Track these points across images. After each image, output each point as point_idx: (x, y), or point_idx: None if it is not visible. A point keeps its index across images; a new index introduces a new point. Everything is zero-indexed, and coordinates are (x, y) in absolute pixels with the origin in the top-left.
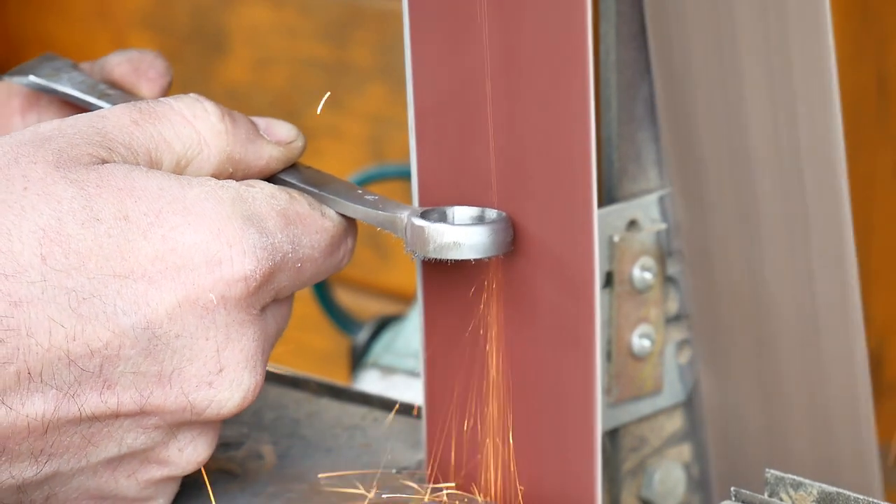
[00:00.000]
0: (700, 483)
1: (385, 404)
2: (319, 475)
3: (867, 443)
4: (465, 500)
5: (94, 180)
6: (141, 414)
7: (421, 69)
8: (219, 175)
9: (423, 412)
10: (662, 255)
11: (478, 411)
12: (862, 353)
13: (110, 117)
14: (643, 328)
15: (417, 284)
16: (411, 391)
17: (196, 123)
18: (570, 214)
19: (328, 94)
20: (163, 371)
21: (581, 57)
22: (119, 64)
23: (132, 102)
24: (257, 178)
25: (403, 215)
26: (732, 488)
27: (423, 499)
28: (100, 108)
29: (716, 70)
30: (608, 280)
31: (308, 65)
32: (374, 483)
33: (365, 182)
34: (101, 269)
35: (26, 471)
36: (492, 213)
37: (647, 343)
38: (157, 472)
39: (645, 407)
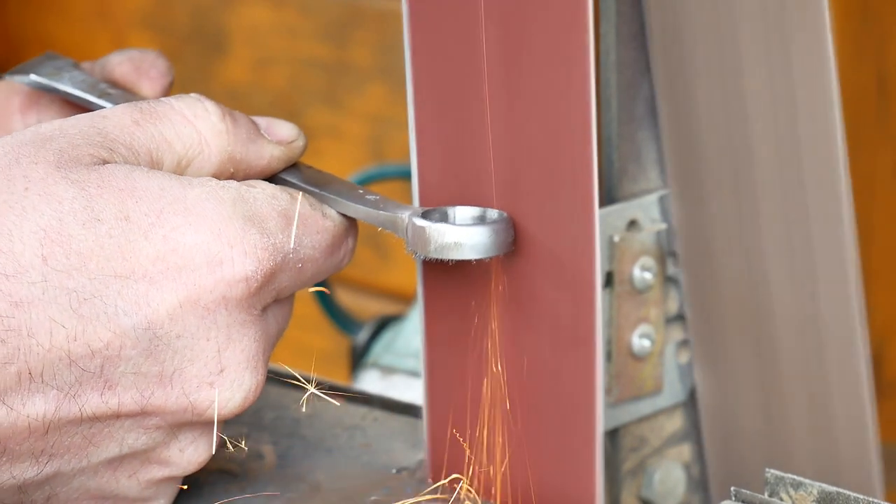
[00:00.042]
0: (700, 483)
1: (385, 404)
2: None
3: (867, 443)
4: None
5: (96, 181)
6: (142, 414)
7: (421, 69)
8: (220, 175)
9: (424, 412)
10: (662, 255)
11: (478, 411)
12: (863, 352)
13: (111, 117)
14: (643, 328)
15: (418, 284)
16: (411, 391)
17: (197, 123)
18: (570, 214)
19: None
20: (164, 371)
21: (581, 57)
22: (120, 63)
23: (133, 102)
24: (259, 178)
25: (404, 215)
26: (732, 488)
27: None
28: (101, 107)
29: (716, 70)
30: (608, 280)
31: (308, 65)
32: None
33: (365, 182)
34: (102, 269)
35: (27, 471)
36: (493, 214)
37: (647, 343)
38: (157, 473)
39: (645, 407)
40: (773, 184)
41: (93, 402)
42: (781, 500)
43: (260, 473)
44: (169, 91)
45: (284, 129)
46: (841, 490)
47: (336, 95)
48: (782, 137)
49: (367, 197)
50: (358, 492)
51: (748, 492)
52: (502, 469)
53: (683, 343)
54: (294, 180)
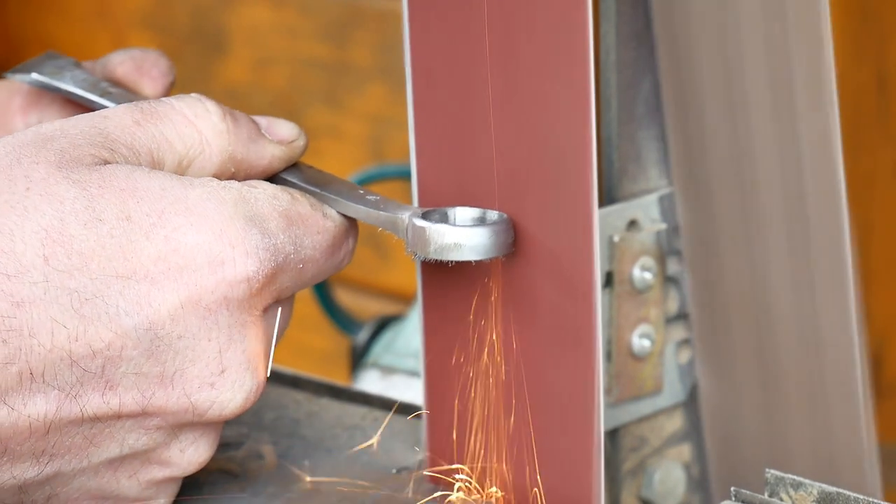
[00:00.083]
0: (700, 483)
1: (385, 404)
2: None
3: (867, 443)
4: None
5: (97, 181)
6: (143, 415)
7: (421, 69)
8: (221, 175)
9: (424, 412)
10: (662, 255)
11: (478, 411)
12: (861, 353)
13: (112, 117)
14: (643, 328)
15: (417, 285)
16: (411, 391)
17: (198, 123)
18: (570, 214)
19: None
20: (165, 372)
21: (581, 57)
22: (122, 62)
23: (134, 103)
24: (260, 178)
25: (404, 216)
26: (732, 488)
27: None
28: (102, 106)
29: (719, 69)
30: (608, 280)
31: (308, 65)
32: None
33: (365, 182)
34: (103, 269)
35: (28, 471)
36: (493, 215)
37: (647, 343)
38: (158, 473)
39: (645, 407)
40: (774, 184)
41: (94, 402)
42: (781, 500)
43: (260, 473)
44: (170, 90)
45: (285, 129)
46: (841, 490)
47: (336, 95)
48: (783, 137)
49: (368, 197)
50: (358, 492)
51: (748, 492)
52: (502, 469)
53: (683, 343)
54: (295, 180)
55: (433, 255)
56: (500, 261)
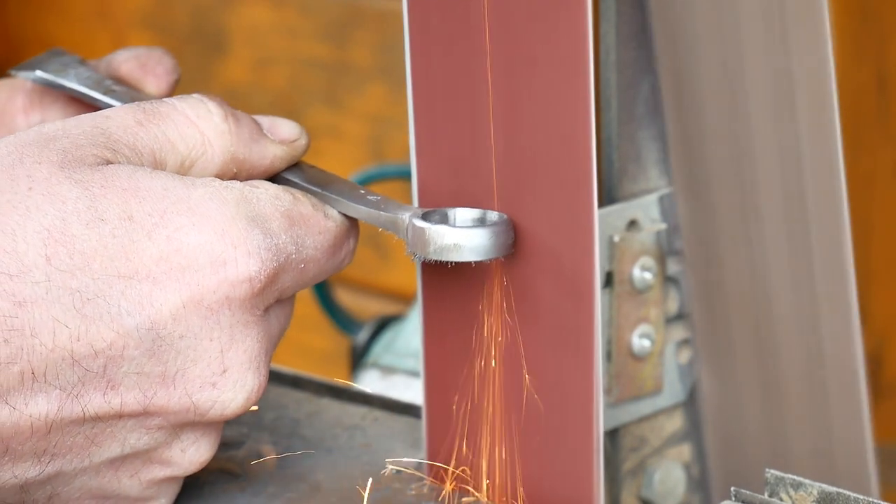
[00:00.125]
0: (700, 483)
1: (385, 404)
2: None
3: (867, 443)
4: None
5: (99, 181)
6: (144, 414)
7: (421, 69)
8: (223, 175)
9: (424, 412)
10: (662, 255)
11: (478, 411)
12: (861, 353)
13: (114, 118)
14: (643, 328)
15: (417, 285)
16: (411, 391)
17: (200, 124)
18: (570, 214)
19: None
20: (167, 372)
21: (581, 57)
22: (126, 60)
23: (136, 103)
24: (262, 178)
25: (405, 216)
26: (732, 488)
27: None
28: (106, 104)
29: (718, 69)
30: (608, 280)
31: (308, 65)
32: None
33: (365, 182)
34: (105, 269)
35: (29, 471)
36: (493, 216)
37: (647, 343)
38: (159, 473)
39: (645, 407)
40: (774, 183)
41: (95, 401)
42: (781, 500)
43: (260, 473)
44: (174, 88)
45: (287, 128)
46: (841, 490)
47: (336, 95)
48: (782, 137)
49: (369, 197)
50: (358, 492)
51: (748, 492)
52: (502, 469)
53: (683, 343)
54: (296, 180)
55: (433, 256)
56: (500, 260)
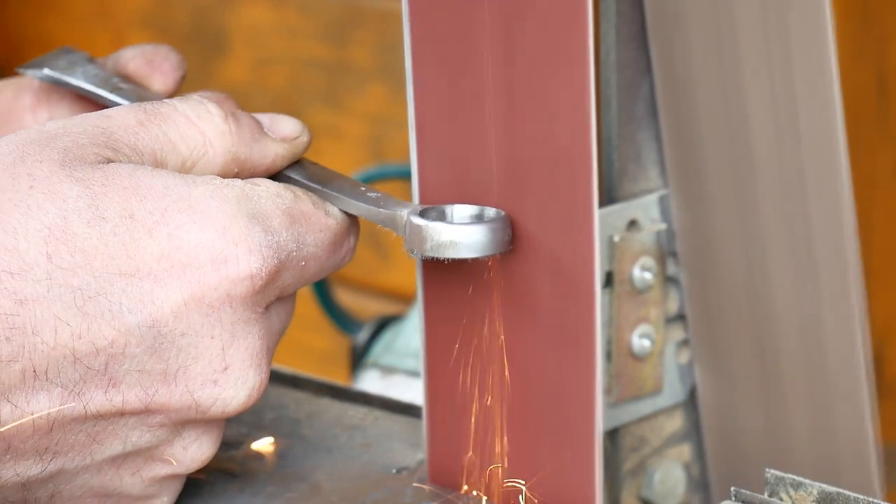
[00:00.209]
0: (700, 483)
1: (385, 404)
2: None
3: (867, 443)
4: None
5: (100, 179)
6: (146, 412)
7: (421, 69)
8: (224, 176)
9: (424, 412)
10: (662, 255)
11: (478, 411)
12: (863, 352)
13: (115, 117)
14: (643, 328)
15: (417, 284)
16: (411, 391)
17: (201, 125)
18: (570, 214)
19: None
20: (168, 369)
21: (581, 57)
22: (133, 58)
23: (137, 104)
24: (263, 176)
25: (403, 213)
26: (732, 488)
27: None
28: (112, 102)
29: (716, 70)
30: (608, 280)
31: (308, 65)
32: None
33: (365, 182)
34: (106, 267)
35: (31, 468)
36: (490, 212)
37: (647, 343)
38: (161, 470)
39: (645, 407)
40: (774, 184)
41: (97, 399)
42: (781, 500)
43: (260, 473)
44: (181, 84)
45: (288, 126)
46: (841, 490)
47: (336, 95)
48: (783, 137)
49: (369, 194)
50: (358, 492)
51: (748, 492)
52: (502, 469)
53: (683, 343)
54: (297, 177)
55: (429, 253)
56: (500, 260)
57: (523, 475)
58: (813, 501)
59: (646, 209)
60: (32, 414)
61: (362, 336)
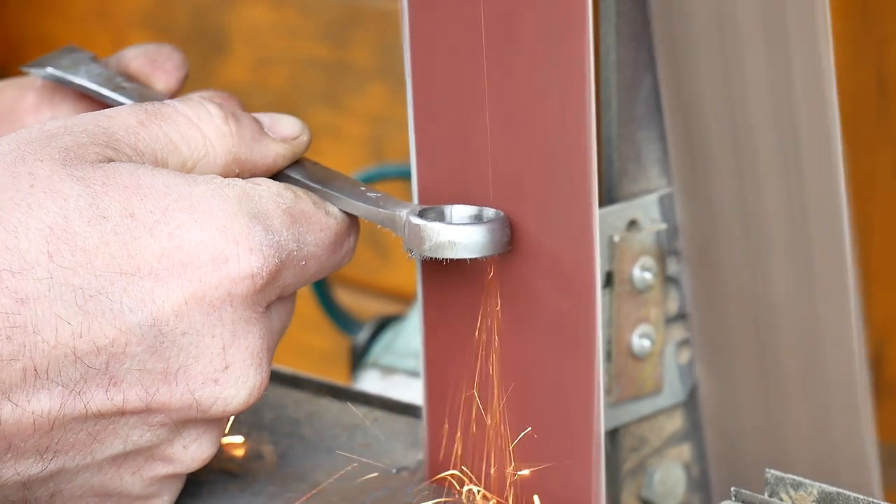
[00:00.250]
0: (700, 483)
1: (385, 404)
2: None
3: (867, 443)
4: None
5: (101, 178)
6: (146, 411)
7: (421, 69)
8: (225, 176)
9: (424, 412)
10: (662, 255)
11: (478, 411)
12: (862, 353)
13: (116, 118)
14: (643, 328)
15: (417, 284)
16: (411, 391)
17: (202, 126)
18: (570, 214)
19: None
20: (169, 368)
21: (581, 57)
22: (136, 57)
23: (138, 104)
24: (264, 176)
25: (402, 213)
26: (732, 488)
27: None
28: (115, 101)
29: (719, 69)
30: (608, 280)
31: (308, 65)
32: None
33: (365, 182)
34: (107, 266)
35: (32, 468)
36: (489, 213)
37: (647, 343)
38: (161, 470)
39: (645, 407)
40: (775, 184)
41: (98, 398)
42: (781, 500)
43: (260, 473)
44: (184, 84)
45: (288, 125)
46: (841, 490)
47: (336, 95)
48: (783, 137)
49: (369, 194)
50: (358, 492)
51: (748, 492)
52: (502, 469)
53: (683, 343)
54: (298, 176)
55: (428, 253)
56: (500, 260)
57: (523, 475)
58: (813, 501)
59: (646, 209)
60: (33, 413)
61: (362, 336)
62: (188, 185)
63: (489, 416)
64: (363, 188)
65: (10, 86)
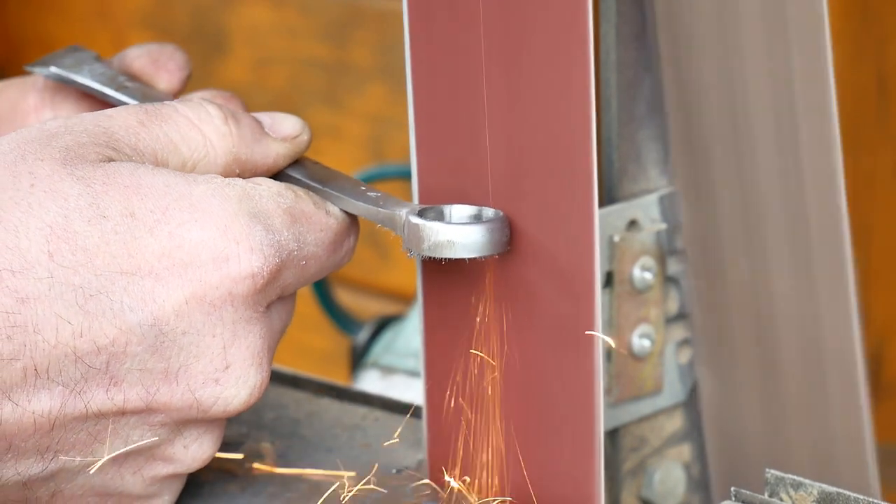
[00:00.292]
0: (700, 483)
1: (385, 404)
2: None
3: (867, 443)
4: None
5: (101, 178)
6: (147, 411)
7: (421, 69)
8: (225, 176)
9: (424, 412)
10: (662, 255)
11: (478, 411)
12: (861, 352)
13: (117, 118)
14: (643, 328)
15: (417, 284)
16: (411, 391)
17: (202, 127)
18: (570, 214)
19: None
20: (169, 368)
21: (581, 57)
22: (138, 57)
23: (139, 104)
24: (265, 175)
25: (402, 213)
26: (732, 488)
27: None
28: (118, 100)
29: (719, 70)
30: (608, 280)
31: (308, 65)
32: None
33: (365, 182)
34: (108, 265)
35: (32, 467)
36: (489, 212)
37: (647, 343)
38: (162, 469)
39: (645, 407)
40: (775, 184)
41: (98, 398)
42: (781, 500)
43: (260, 473)
44: (186, 84)
45: (289, 125)
46: (841, 490)
47: (336, 95)
48: (783, 138)
49: (369, 194)
50: (358, 492)
51: (748, 492)
52: (502, 469)
53: (683, 343)
54: (298, 176)
55: (427, 253)
56: (500, 260)
57: (523, 475)
58: (813, 501)
59: (646, 209)
60: (34, 412)
61: (362, 336)
62: (188, 185)
63: (489, 416)
64: (363, 188)
65: (11, 86)
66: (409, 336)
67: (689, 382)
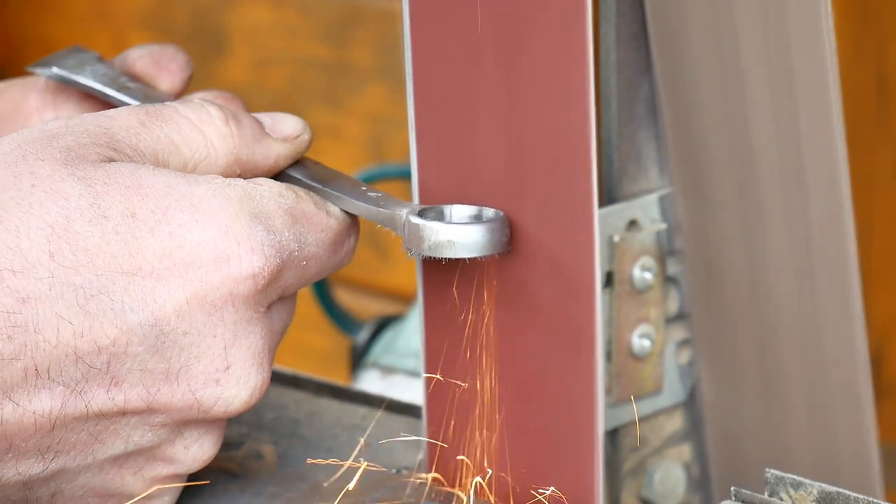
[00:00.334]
0: (700, 483)
1: (385, 404)
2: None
3: (867, 443)
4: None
5: (102, 178)
6: (148, 411)
7: (421, 69)
8: (226, 177)
9: (424, 412)
10: (662, 255)
11: (477, 411)
12: (862, 353)
13: (117, 118)
14: (643, 328)
15: (417, 284)
16: (411, 391)
17: (203, 128)
18: (570, 214)
19: None
20: (170, 368)
21: (581, 57)
22: (140, 57)
23: (139, 105)
24: (266, 176)
25: (402, 213)
26: (732, 488)
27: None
28: (119, 101)
29: (717, 70)
30: (608, 280)
31: (308, 65)
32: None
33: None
34: (108, 266)
35: (33, 467)
36: (489, 212)
37: (647, 343)
38: (162, 470)
39: (645, 407)
40: (775, 183)
41: (99, 398)
42: (781, 500)
43: (260, 473)
44: (188, 84)
45: (289, 125)
46: (841, 490)
47: (336, 95)
48: (783, 138)
49: (370, 194)
50: (358, 492)
51: (748, 492)
52: (502, 469)
53: (683, 343)
54: (299, 176)
55: (427, 253)
56: (500, 260)
57: (523, 475)
58: (813, 501)
59: (646, 209)
60: (34, 412)
61: (362, 336)
62: (189, 185)
63: (489, 416)
64: (364, 188)
65: (13, 86)
66: (409, 336)
67: (689, 382)
